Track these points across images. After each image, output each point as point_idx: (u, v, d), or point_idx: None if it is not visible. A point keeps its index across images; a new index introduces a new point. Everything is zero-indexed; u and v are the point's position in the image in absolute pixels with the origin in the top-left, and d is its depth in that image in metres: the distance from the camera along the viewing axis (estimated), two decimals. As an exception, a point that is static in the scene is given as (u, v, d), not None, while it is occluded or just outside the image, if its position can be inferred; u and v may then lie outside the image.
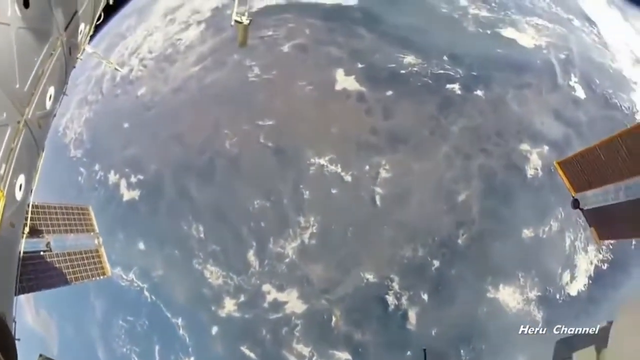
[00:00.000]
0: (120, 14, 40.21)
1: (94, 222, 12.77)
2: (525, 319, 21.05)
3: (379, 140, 23.89)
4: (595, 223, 9.02)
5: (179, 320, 24.92)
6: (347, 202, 23.33)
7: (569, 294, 22.09)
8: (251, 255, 24.66)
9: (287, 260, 24.00)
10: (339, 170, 23.63)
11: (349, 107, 24.61)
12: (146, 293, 25.95)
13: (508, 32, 27.72)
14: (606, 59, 29.29)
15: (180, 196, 27.14)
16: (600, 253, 22.94)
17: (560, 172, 9.26)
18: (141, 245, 27.00)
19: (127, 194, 28.92)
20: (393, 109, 24.54)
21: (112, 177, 30.01)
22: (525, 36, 28.04)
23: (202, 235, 25.90)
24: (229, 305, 24.19)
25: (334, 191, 23.49)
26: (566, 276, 22.41)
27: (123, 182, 29.49)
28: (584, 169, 8.76)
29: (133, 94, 34.11)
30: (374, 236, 23.10)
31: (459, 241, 22.86)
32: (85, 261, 12.13)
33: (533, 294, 21.96)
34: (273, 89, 26.31)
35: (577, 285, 22.23)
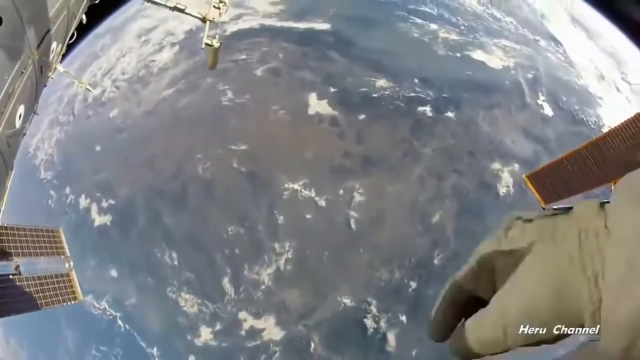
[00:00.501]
0: (94, 33, 39.66)
1: (65, 245, 12.38)
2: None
3: (353, 163, 24.00)
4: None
5: (154, 350, 24.06)
6: (322, 226, 23.18)
7: None
8: (226, 283, 24.10)
9: (263, 286, 23.53)
10: (313, 194, 23.54)
11: (322, 131, 24.71)
12: (119, 322, 25.05)
13: (477, 55, 28.66)
14: (572, 77, 30.61)
15: (153, 222, 26.46)
16: None
17: (530, 185, 9.66)
18: (113, 273, 26.11)
19: (99, 219, 28.07)
20: (366, 133, 24.77)
21: (83, 201, 29.11)
22: (494, 58, 29.05)
23: (175, 262, 25.21)
24: (205, 334, 23.53)
25: (308, 216, 23.32)
26: None
27: (94, 207, 28.63)
28: (552, 181, 9.08)
29: (105, 115, 33.40)
30: (350, 260, 22.95)
31: (435, 261, 22.97)
32: (56, 285, 11.73)
33: None
34: (246, 113, 26.20)
35: None
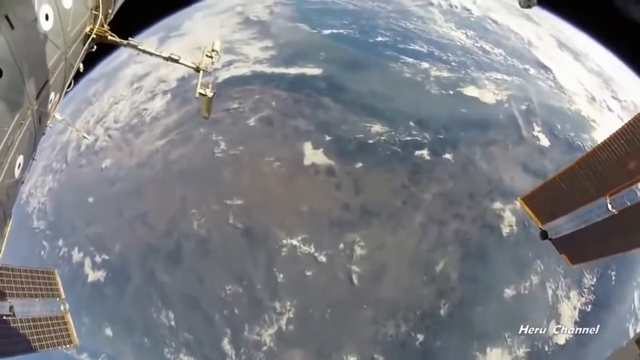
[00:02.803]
0: (87, 78, 39.69)
1: (60, 287, 12.04)
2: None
3: (352, 215, 23.41)
4: (565, 250, 9.48)
5: None
6: (323, 283, 22.34)
7: (557, 343, 21.46)
8: (226, 344, 23.06)
9: (264, 347, 22.46)
10: (313, 250, 22.81)
11: (318, 182, 24.19)
12: None
13: (470, 91, 28.58)
14: (564, 103, 30.58)
15: (148, 279, 25.58)
16: (583, 296, 22.66)
17: (525, 207, 9.68)
18: (108, 331, 25.08)
19: (92, 275, 27.25)
20: (363, 181, 24.29)
21: (76, 255, 28.37)
22: (486, 92, 28.98)
23: (172, 322, 24.22)
24: (208, 398, 22.34)
25: (308, 273, 22.52)
26: (552, 326, 21.83)
27: (87, 261, 27.85)
28: (547, 201, 9.18)
29: (97, 165, 32.96)
30: (354, 316, 22.01)
31: (442, 311, 22.07)
32: (51, 327, 11.31)
33: (522, 351, 21.19)
34: (240, 165, 25.71)
35: (564, 334, 21.67)
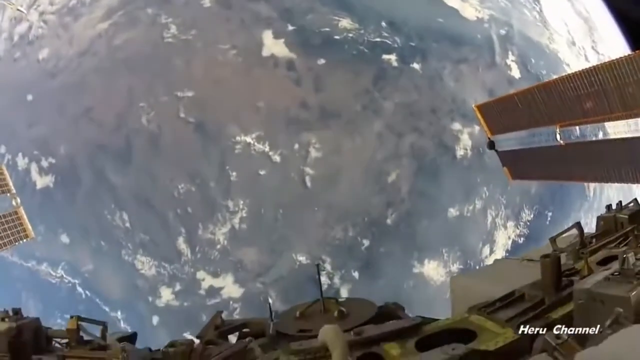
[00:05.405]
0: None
1: (9, 181, 11.52)
2: (447, 289, 22.31)
3: (310, 115, 22.33)
4: (508, 164, 9.98)
5: (119, 314, 23.93)
6: (276, 183, 22.20)
7: (486, 264, 23.50)
8: (181, 243, 23.51)
9: (218, 246, 23.10)
10: (267, 149, 22.10)
11: (277, 76, 22.34)
12: (79, 289, 24.62)
13: (451, 1, 25.85)
14: (544, 39, 28.82)
15: (98, 181, 24.73)
16: (518, 228, 24.28)
17: (479, 114, 9.87)
18: (64, 238, 24.91)
19: (40, 181, 26.06)
20: (325, 80, 22.70)
21: (22, 161, 26.68)
22: (468, 7, 26.38)
23: (127, 224, 24.15)
24: (166, 295, 23.44)
25: (262, 172, 22.15)
26: (486, 250, 23.67)
27: (34, 167, 26.38)
28: (500, 113, 9.39)
29: (34, 57, 29.14)
30: (306, 218, 22.55)
31: (388, 220, 23.00)
32: (5, 225, 10.96)
33: (455, 267, 23.12)
34: (192, 53, 23.10)
35: (495, 257, 23.64)
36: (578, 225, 6.31)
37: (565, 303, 3.48)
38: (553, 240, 6.67)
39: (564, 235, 6.63)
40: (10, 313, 4.47)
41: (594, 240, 6.24)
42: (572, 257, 5.70)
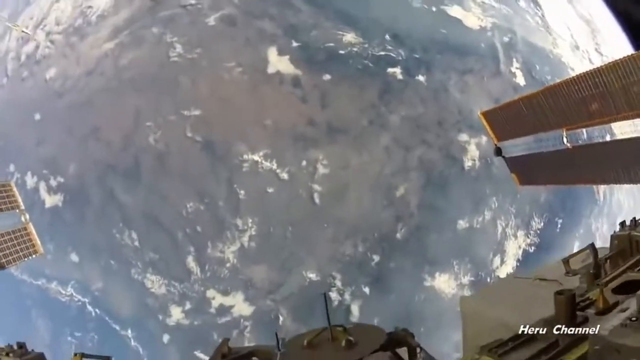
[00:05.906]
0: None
1: (18, 198, 11.76)
2: (458, 302, 22.07)
3: (316, 131, 22.29)
4: (516, 169, 9.92)
5: (129, 332, 23.97)
6: (284, 200, 22.16)
7: (498, 276, 23.29)
8: (191, 261, 23.51)
9: (228, 264, 23.07)
10: (275, 167, 22.09)
11: (283, 93, 22.36)
12: (89, 307, 24.71)
13: (454, 11, 25.82)
14: (547, 44, 28.70)
15: (107, 200, 24.85)
16: (529, 237, 24.03)
17: (485, 122, 9.83)
18: (74, 257, 24.96)
19: (49, 199, 26.19)
20: (331, 96, 22.67)
21: (30, 180, 26.89)
22: (471, 16, 26.34)
23: (136, 243, 24.21)
24: (176, 313, 23.41)
25: (270, 190, 22.12)
26: (497, 261, 23.44)
27: (43, 186, 26.58)
28: (506, 119, 9.34)
29: (41, 76, 29.52)
30: (315, 234, 22.47)
31: (398, 235, 22.86)
32: (15, 241, 11.21)
33: (466, 279, 22.91)
34: (198, 72, 23.21)
35: (506, 268, 23.42)
36: (592, 246, 6.17)
37: (579, 344, 3.35)
38: (566, 261, 6.59)
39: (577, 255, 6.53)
40: (15, 347, 4.40)
41: (608, 261, 6.10)
42: (585, 281, 5.60)
